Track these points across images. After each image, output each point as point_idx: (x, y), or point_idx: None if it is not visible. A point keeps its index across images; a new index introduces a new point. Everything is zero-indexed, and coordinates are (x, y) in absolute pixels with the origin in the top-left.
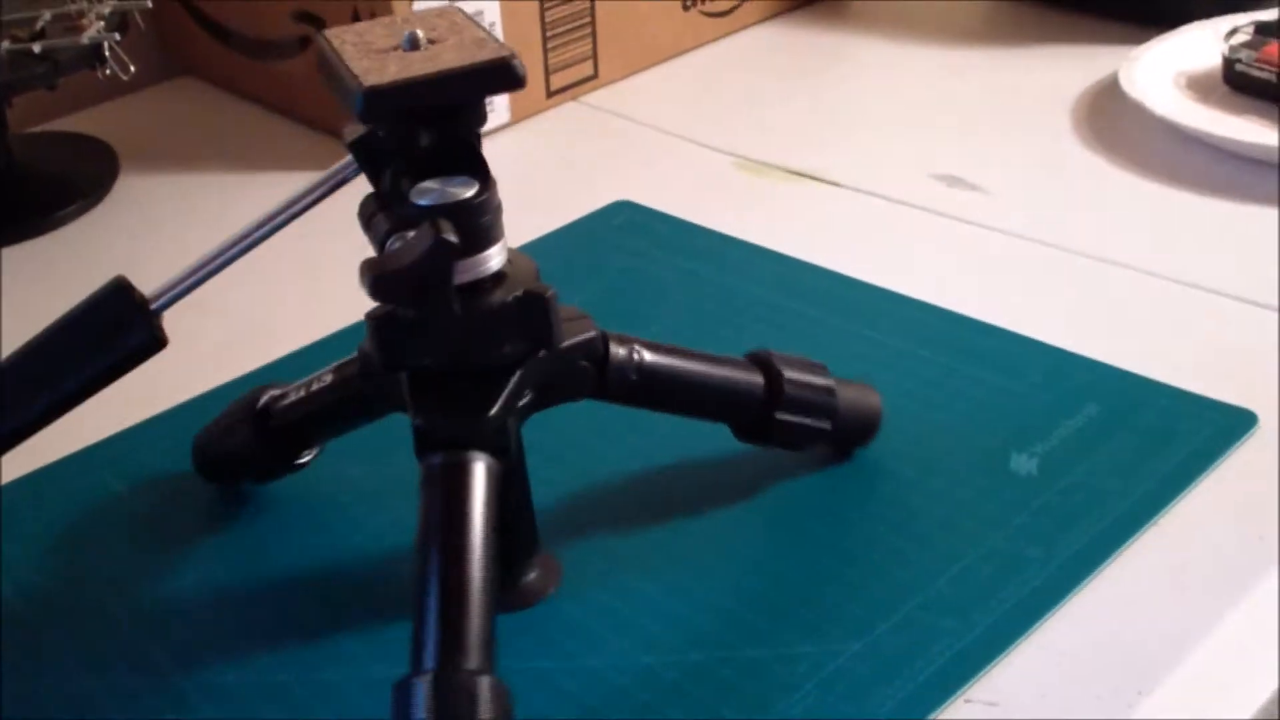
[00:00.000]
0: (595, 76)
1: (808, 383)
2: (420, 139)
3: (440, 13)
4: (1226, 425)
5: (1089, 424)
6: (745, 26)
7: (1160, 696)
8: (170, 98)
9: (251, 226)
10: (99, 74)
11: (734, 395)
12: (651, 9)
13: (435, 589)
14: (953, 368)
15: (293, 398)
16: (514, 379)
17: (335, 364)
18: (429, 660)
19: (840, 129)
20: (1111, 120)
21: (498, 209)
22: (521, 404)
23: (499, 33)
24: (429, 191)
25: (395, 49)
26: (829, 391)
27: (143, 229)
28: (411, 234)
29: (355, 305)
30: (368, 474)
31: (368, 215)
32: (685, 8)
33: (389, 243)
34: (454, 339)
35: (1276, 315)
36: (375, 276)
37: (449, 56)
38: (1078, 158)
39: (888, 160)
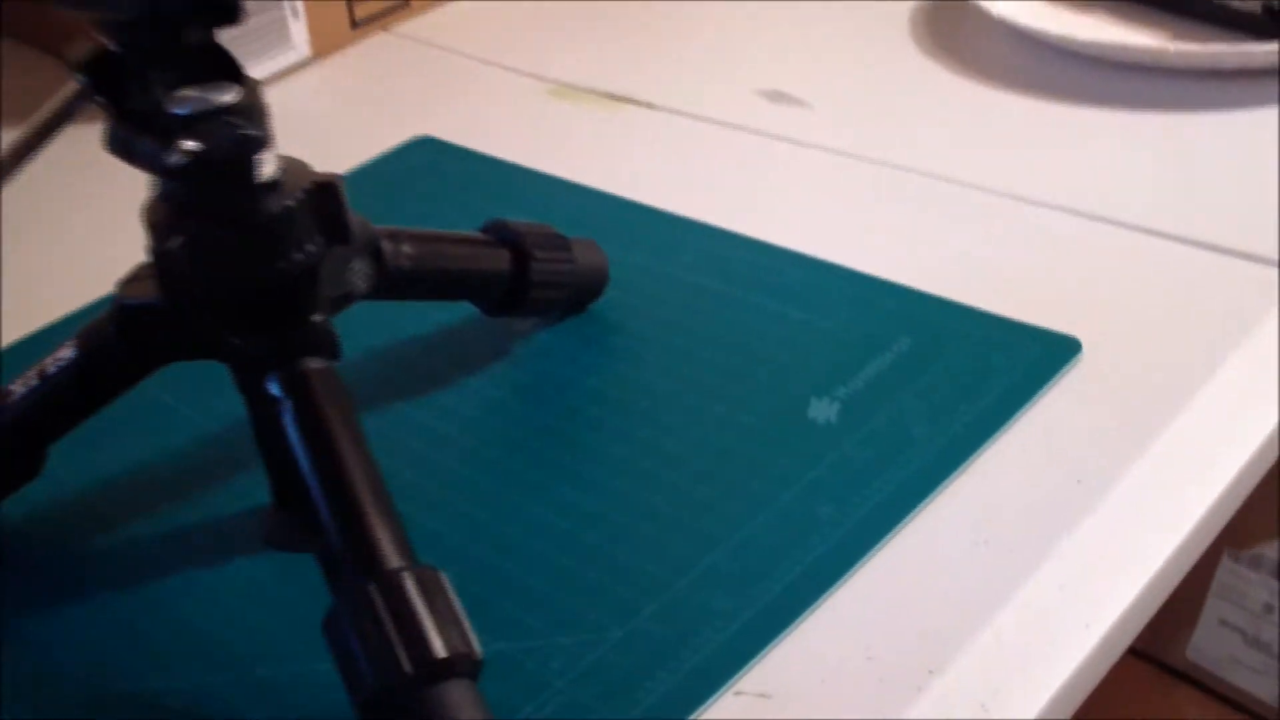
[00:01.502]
0: (406, 3)
1: (552, 257)
2: (173, 41)
3: None
4: (1047, 355)
5: (898, 360)
6: None
7: (953, 675)
8: None
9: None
10: None
11: (489, 277)
12: None
13: (327, 507)
14: (756, 304)
15: (22, 390)
16: (320, 278)
17: (69, 339)
18: (346, 580)
19: (664, 46)
20: (952, 24)
21: (266, 111)
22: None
23: None
24: (190, 100)
25: None
26: (571, 261)
27: None
28: (190, 144)
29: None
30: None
31: (123, 142)
32: None
33: (170, 157)
34: (258, 245)
35: (1115, 230)
36: (180, 177)
37: None
38: (914, 66)
39: (711, 78)
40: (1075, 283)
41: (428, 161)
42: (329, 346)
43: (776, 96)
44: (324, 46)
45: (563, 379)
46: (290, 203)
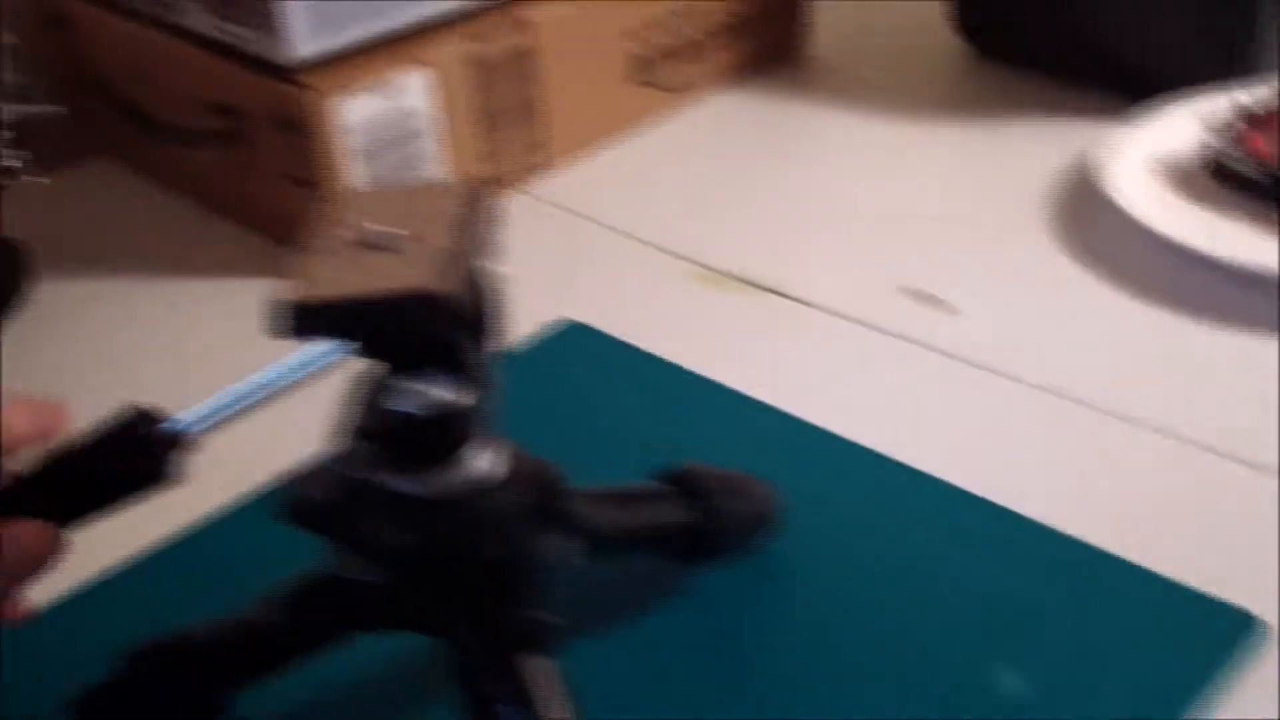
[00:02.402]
0: (544, 164)
1: (733, 508)
2: (389, 345)
3: (443, 192)
4: (1231, 632)
5: (1081, 624)
6: (701, 99)
7: None
8: (85, 184)
9: (279, 370)
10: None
11: (674, 529)
12: (602, 88)
13: None
14: (929, 548)
15: (212, 636)
16: (539, 567)
17: (276, 597)
18: None
19: (801, 225)
20: (1088, 218)
21: (486, 407)
22: None
23: (435, 128)
24: (406, 394)
25: (359, 245)
26: (750, 511)
27: (62, 336)
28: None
29: None
30: None
31: (354, 390)
32: (636, 83)
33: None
34: (477, 542)
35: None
36: (288, 503)
37: (391, 273)
38: (1053, 266)
39: (852, 266)
40: (1244, 539)
41: (578, 351)
42: (547, 637)
43: (920, 296)
44: None
45: (740, 626)
46: (517, 499)
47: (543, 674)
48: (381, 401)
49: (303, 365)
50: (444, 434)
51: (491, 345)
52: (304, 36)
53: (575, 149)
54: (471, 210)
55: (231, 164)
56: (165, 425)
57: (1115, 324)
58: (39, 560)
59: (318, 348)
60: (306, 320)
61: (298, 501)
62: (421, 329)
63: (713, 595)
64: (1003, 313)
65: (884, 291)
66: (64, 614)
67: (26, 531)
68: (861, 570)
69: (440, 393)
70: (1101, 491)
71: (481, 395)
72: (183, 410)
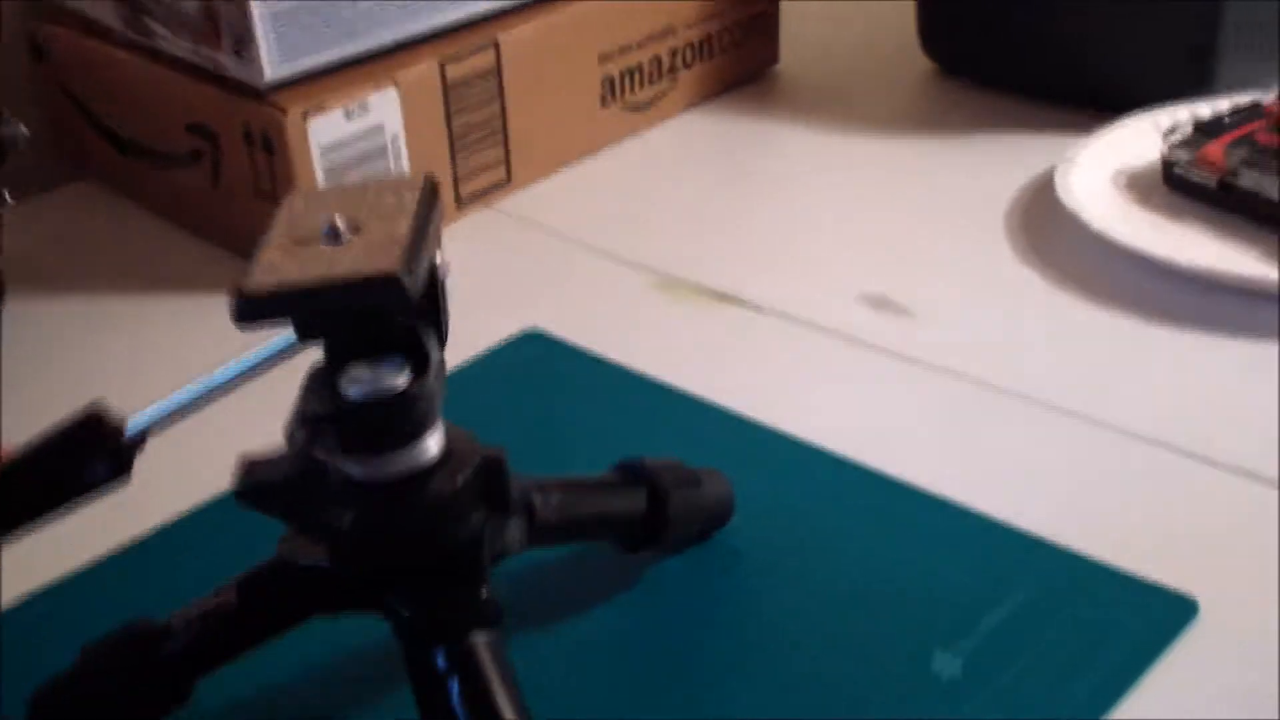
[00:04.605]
0: (508, 181)
1: (686, 495)
2: (343, 331)
3: (393, 186)
4: (1165, 615)
5: (1018, 613)
6: (668, 117)
7: None
8: (65, 206)
9: (234, 368)
10: None
11: (627, 518)
12: (567, 108)
13: None
14: (873, 542)
15: (182, 627)
16: (484, 549)
17: (230, 584)
18: None
19: (765, 238)
20: (1047, 229)
21: (435, 393)
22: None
23: (402, 146)
24: (359, 381)
25: (314, 238)
26: (703, 497)
27: (38, 358)
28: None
29: None
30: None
31: (304, 388)
32: (604, 103)
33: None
34: (426, 522)
35: (1226, 475)
36: (243, 485)
37: (347, 260)
38: (1011, 274)
39: (814, 276)
40: (1183, 526)
41: (537, 359)
42: (493, 616)
43: (880, 302)
44: None
45: (691, 613)
46: (458, 482)
47: (491, 651)
48: (335, 387)
49: (256, 359)
50: (395, 420)
51: (442, 334)
52: (275, 60)
53: (542, 167)
54: (425, 203)
55: (206, 183)
56: (119, 423)
57: (1069, 326)
58: None
59: (272, 343)
60: (265, 306)
61: (253, 484)
62: (379, 312)
63: (665, 585)
64: (960, 319)
65: (845, 300)
66: (29, 612)
67: None
68: (809, 563)
69: (392, 379)
70: (1046, 483)
71: (431, 382)
72: (137, 411)
